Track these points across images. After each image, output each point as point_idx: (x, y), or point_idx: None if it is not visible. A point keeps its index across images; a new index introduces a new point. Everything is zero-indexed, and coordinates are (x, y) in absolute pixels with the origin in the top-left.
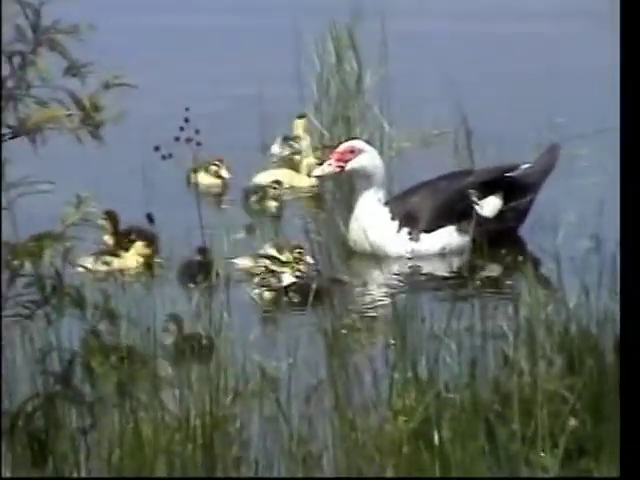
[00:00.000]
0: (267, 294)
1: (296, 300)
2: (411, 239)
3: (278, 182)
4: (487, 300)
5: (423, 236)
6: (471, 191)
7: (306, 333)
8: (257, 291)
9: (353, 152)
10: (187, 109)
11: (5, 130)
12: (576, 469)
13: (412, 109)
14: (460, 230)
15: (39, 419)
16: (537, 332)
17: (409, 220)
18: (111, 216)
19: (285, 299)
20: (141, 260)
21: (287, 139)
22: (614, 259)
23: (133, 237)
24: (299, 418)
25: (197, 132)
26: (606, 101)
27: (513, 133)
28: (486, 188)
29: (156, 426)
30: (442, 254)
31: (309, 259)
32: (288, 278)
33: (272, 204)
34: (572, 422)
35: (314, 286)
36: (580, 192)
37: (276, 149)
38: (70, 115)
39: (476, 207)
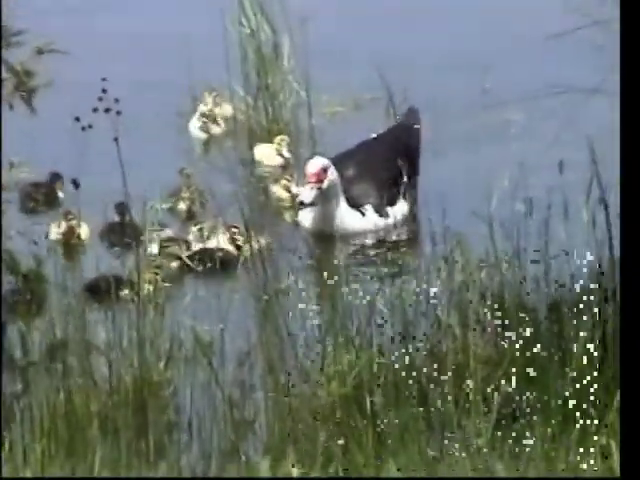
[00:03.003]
0: (173, 263)
1: (200, 269)
2: (380, 215)
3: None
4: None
5: (390, 210)
6: (399, 161)
7: (239, 298)
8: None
9: (325, 171)
10: (104, 79)
11: None
12: (509, 433)
13: (341, 75)
14: (405, 199)
15: None
16: (471, 297)
17: (365, 197)
18: None
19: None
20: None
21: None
22: (545, 223)
23: None
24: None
25: (117, 101)
26: (537, 67)
27: (445, 99)
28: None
29: (88, 391)
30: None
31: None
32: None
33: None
34: (506, 388)
35: (219, 254)
36: (513, 157)
37: (195, 123)
38: (3, 81)
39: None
